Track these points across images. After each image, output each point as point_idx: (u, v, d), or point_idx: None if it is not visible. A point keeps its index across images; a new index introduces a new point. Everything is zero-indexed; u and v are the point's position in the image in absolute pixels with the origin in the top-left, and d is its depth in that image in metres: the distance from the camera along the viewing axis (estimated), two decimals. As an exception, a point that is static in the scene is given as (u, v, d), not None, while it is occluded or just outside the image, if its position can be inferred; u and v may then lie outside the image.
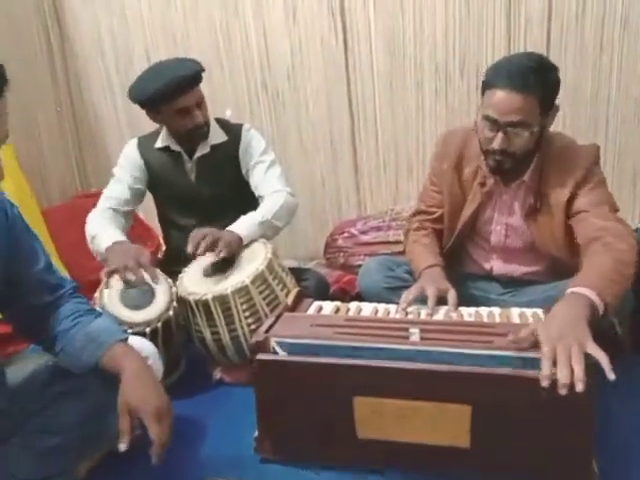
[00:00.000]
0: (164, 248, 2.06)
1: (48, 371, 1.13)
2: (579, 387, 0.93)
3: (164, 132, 1.79)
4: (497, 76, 1.31)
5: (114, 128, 2.55)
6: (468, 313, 1.29)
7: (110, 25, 2.41)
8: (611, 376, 0.93)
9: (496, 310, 1.29)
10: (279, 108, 2.39)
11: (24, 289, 1.10)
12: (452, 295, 1.35)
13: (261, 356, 1.14)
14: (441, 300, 1.34)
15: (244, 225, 1.63)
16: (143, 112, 2.48)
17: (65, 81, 2.49)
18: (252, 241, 1.65)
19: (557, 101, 1.36)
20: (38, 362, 1.16)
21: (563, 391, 0.94)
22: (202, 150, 1.77)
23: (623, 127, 2.11)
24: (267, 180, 1.75)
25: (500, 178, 1.46)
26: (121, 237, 1.64)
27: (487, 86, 1.34)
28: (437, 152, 1.59)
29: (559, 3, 2.04)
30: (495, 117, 1.31)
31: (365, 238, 2.21)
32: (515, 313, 1.27)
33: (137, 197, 1.82)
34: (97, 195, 2.42)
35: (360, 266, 2.10)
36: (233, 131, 1.81)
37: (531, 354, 1.02)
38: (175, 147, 1.79)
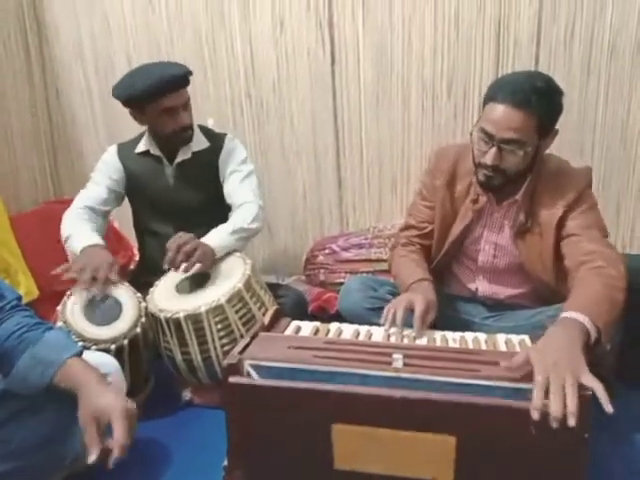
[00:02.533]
0: (137, 258, 1.98)
1: None
2: (571, 421, 0.88)
3: (146, 137, 1.75)
4: (500, 90, 1.29)
5: (91, 134, 2.47)
6: (453, 338, 1.23)
7: (91, 29, 2.34)
8: (608, 408, 0.88)
9: (482, 336, 1.24)
10: (263, 119, 2.34)
11: None
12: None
13: (233, 379, 1.06)
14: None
15: (216, 237, 1.58)
16: (122, 119, 2.41)
17: (42, 84, 2.41)
18: (230, 254, 1.59)
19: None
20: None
21: (555, 424, 0.89)
22: (183, 155, 1.73)
23: (608, 153, 2.11)
24: (241, 190, 1.71)
25: (492, 195, 1.43)
26: (96, 239, 1.58)
27: (488, 99, 1.32)
28: (429, 168, 1.56)
29: (547, 27, 2.04)
30: (491, 132, 1.29)
31: (346, 255, 2.16)
32: (501, 340, 1.22)
33: (115, 199, 1.78)
34: (69, 202, 2.35)
35: (340, 284, 2.06)
36: (216, 139, 1.78)
37: (521, 385, 0.97)
38: (156, 151, 1.74)
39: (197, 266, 1.47)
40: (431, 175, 1.53)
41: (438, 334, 1.27)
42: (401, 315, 1.27)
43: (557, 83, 1.34)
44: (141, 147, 1.76)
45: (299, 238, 2.43)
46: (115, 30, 2.33)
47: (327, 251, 2.20)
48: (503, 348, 1.18)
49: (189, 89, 1.71)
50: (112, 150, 1.80)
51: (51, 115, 2.45)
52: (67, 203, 2.33)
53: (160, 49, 2.31)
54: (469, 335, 1.25)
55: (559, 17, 2.01)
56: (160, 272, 1.59)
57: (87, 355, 1.10)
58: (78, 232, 1.60)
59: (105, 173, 1.75)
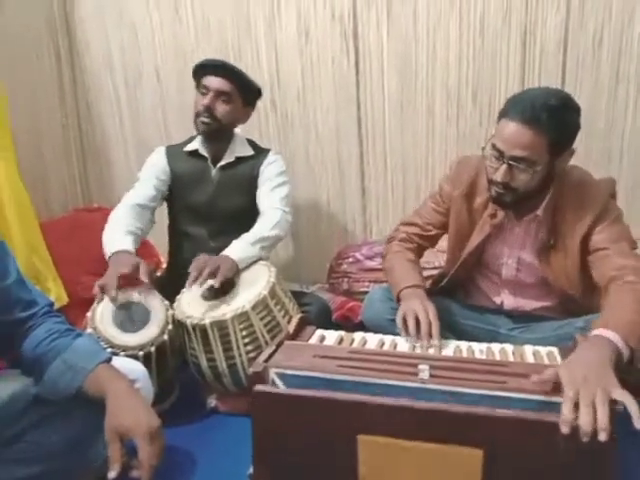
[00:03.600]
0: (168, 261, 2.00)
1: (29, 394, 1.07)
2: (602, 436, 0.86)
3: (198, 137, 1.82)
4: (512, 107, 1.27)
5: (119, 144, 2.52)
6: (479, 349, 1.22)
7: (120, 42, 2.39)
8: (638, 425, 0.86)
9: (509, 347, 1.23)
10: (287, 128, 2.36)
11: None
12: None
13: (259, 388, 1.07)
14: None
15: (238, 248, 1.60)
16: (150, 130, 2.48)
17: (73, 94, 2.47)
18: (254, 263, 1.60)
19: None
20: (19, 384, 1.10)
21: (585, 439, 0.87)
22: (227, 159, 1.81)
23: (637, 160, 2.07)
24: (270, 196, 1.76)
25: (512, 212, 1.41)
26: (126, 244, 1.58)
27: (501, 114, 1.30)
28: (449, 176, 1.54)
29: (575, 35, 2.01)
30: (501, 148, 1.27)
31: (370, 264, 2.15)
32: (529, 351, 1.20)
33: (161, 198, 1.83)
34: (98, 210, 2.41)
35: (364, 292, 2.06)
36: (260, 150, 1.87)
37: (549, 398, 0.96)
38: (203, 152, 1.81)
39: (218, 281, 1.48)
40: (450, 183, 1.52)
41: (464, 345, 1.26)
42: (433, 329, 1.27)
43: (575, 101, 1.29)
44: (191, 146, 1.83)
45: (323, 246, 2.43)
46: (143, 42, 2.38)
47: (351, 260, 2.20)
48: (531, 360, 1.17)
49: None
50: (160, 151, 1.86)
51: (81, 125, 2.51)
52: (96, 211, 2.40)
53: (187, 60, 2.34)
54: (496, 346, 1.24)
55: (587, 24, 1.99)
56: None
57: (116, 361, 1.12)
58: (112, 235, 1.62)
59: (152, 173, 1.80)
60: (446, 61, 2.18)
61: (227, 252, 1.58)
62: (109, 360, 1.08)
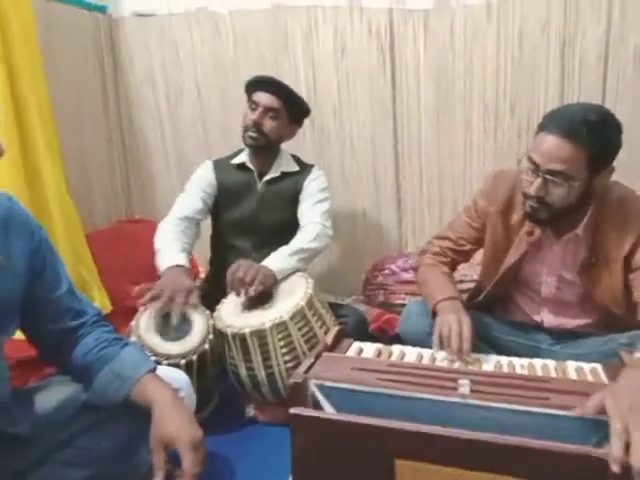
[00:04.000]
0: (209, 271, 2.06)
1: (79, 400, 1.10)
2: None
3: (245, 151, 1.88)
4: (551, 120, 1.26)
5: (161, 158, 2.59)
6: (520, 365, 1.21)
7: (162, 57, 2.47)
8: None
9: (551, 363, 1.21)
10: (324, 142, 2.39)
11: (45, 313, 1.09)
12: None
13: (296, 410, 1.06)
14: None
15: (277, 260, 1.63)
16: (191, 145, 2.54)
17: (116, 110, 2.55)
18: (292, 274, 1.63)
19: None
20: (69, 390, 1.14)
21: (638, 479, 0.83)
22: (273, 173, 1.86)
23: (683, 173, 2.02)
24: (311, 211, 1.80)
25: (550, 230, 1.39)
26: (182, 260, 1.63)
27: (540, 128, 1.28)
28: (484, 190, 1.52)
29: (616, 47, 1.99)
30: (537, 161, 1.25)
31: (406, 276, 2.15)
32: (572, 367, 1.18)
33: (207, 211, 1.88)
34: (140, 222, 2.48)
35: (400, 305, 2.07)
36: (305, 166, 1.92)
37: (592, 416, 0.94)
38: (250, 165, 1.87)
39: (257, 289, 1.51)
40: (486, 198, 1.50)
41: (505, 360, 1.25)
42: (459, 341, 1.26)
43: (616, 119, 1.26)
44: (238, 159, 1.88)
45: (358, 258, 2.44)
46: (184, 58, 2.45)
47: (387, 272, 2.20)
48: (573, 376, 1.15)
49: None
50: (207, 165, 1.92)
51: (124, 140, 2.59)
52: (138, 222, 2.47)
53: (227, 75, 2.40)
54: (537, 362, 1.22)
55: (628, 37, 1.97)
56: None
57: (160, 370, 1.15)
58: (167, 248, 1.66)
59: (199, 186, 1.85)
60: (483, 74, 2.18)
61: (266, 263, 1.61)
62: (154, 369, 1.11)
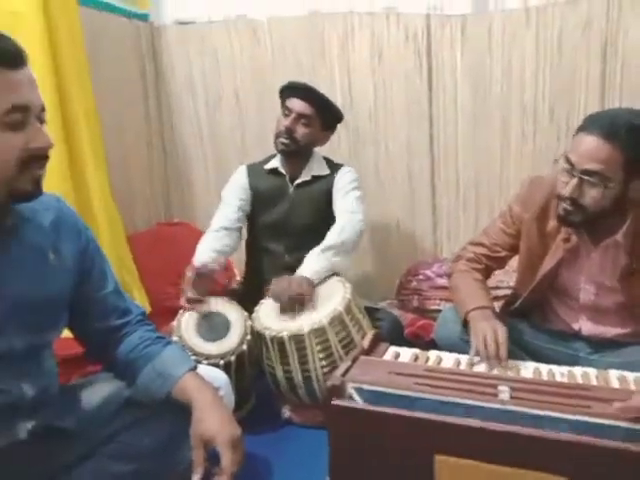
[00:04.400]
0: (245, 274, 2.09)
1: (122, 397, 1.13)
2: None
3: (278, 156, 1.91)
4: (591, 122, 1.25)
5: (200, 164, 2.64)
6: (560, 372, 1.19)
7: (202, 65, 2.52)
8: None
9: (591, 371, 1.19)
10: (359, 145, 2.40)
11: (92, 311, 1.12)
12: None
13: (337, 402, 1.09)
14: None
15: (310, 263, 1.64)
16: (228, 150, 2.58)
17: (157, 117, 2.62)
18: (329, 278, 1.64)
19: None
20: (113, 387, 1.17)
21: None
22: (304, 177, 1.88)
23: None
24: (343, 201, 1.82)
25: (587, 236, 1.37)
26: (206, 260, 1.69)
27: (579, 129, 1.28)
28: (520, 195, 1.51)
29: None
30: (574, 161, 1.24)
31: (441, 282, 2.14)
32: (614, 376, 1.16)
33: (245, 217, 1.92)
34: (179, 225, 2.54)
35: (435, 310, 2.06)
36: (335, 168, 1.93)
37: (635, 426, 0.92)
38: (282, 170, 1.89)
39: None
40: (521, 205, 1.48)
41: (544, 367, 1.23)
42: (501, 351, 1.26)
43: None
44: (271, 164, 1.91)
45: (392, 263, 2.44)
46: (223, 65, 2.50)
47: (421, 277, 2.19)
48: (616, 385, 1.13)
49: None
50: (241, 170, 1.95)
51: (165, 146, 2.66)
52: (177, 225, 2.53)
53: (264, 81, 2.44)
54: (577, 370, 1.20)
55: (675, 36, 1.92)
56: (267, 288, 1.67)
57: (200, 369, 1.18)
58: (200, 253, 1.73)
59: (235, 194, 1.89)
60: (522, 76, 2.15)
61: (301, 271, 1.62)
62: (195, 368, 1.14)
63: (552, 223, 1.42)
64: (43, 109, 0.93)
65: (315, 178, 1.88)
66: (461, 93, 2.24)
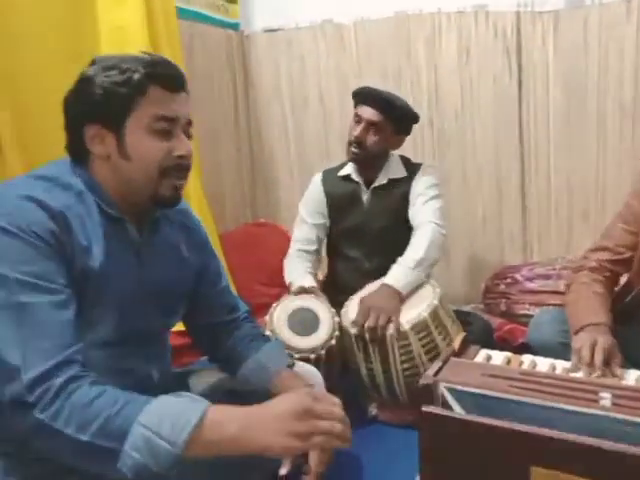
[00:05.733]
0: (326, 277, 2.11)
1: (225, 387, 1.19)
2: None
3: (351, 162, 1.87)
4: None
5: (285, 167, 2.72)
6: (667, 382, 1.13)
7: (289, 70, 2.60)
8: None
9: None
10: (443, 146, 2.38)
11: (206, 306, 1.19)
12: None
13: (428, 409, 1.08)
14: None
15: (399, 275, 1.61)
16: (313, 152, 2.62)
17: (246, 123, 2.72)
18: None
19: None
20: (218, 376, 1.24)
21: None
22: (380, 181, 1.84)
23: None
24: (423, 211, 1.75)
25: None
26: (309, 283, 1.76)
27: None
28: (637, 190, 1.42)
29: None
30: None
31: (531, 285, 2.08)
32: None
33: (322, 231, 1.93)
34: (265, 226, 2.63)
35: (524, 315, 2.00)
36: (413, 168, 1.86)
37: None
38: (355, 177, 1.87)
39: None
40: (639, 198, 1.40)
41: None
42: (596, 356, 1.20)
43: None
44: (344, 171, 1.89)
45: (477, 266, 2.40)
46: (309, 70, 2.56)
47: (509, 280, 2.14)
48: None
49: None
50: (317, 179, 1.95)
51: (252, 149, 2.76)
52: (263, 226, 2.63)
53: (348, 84, 2.47)
54: (687, 380, 1.13)
55: None
56: (349, 292, 1.70)
57: (297, 366, 1.22)
58: (297, 280, 1.79)
59: (311, 210, 1.91)
60: (620, 73, 2.05)
61: (389, 281, 1.59)
62: (292, 365, 1.19)
63: None
64: (190, 124, 1.01)
65: (392, 181, 1.82)
66: (553, 92, 2.17)
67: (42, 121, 1.73)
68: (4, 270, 0.81)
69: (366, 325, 1.48)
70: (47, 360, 0.78)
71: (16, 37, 1.67)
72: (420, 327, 1.49)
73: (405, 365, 1.50)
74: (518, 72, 2.20)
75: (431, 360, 1.41)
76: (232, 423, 0.82)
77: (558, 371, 1.23)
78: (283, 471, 0.98)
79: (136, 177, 0.96)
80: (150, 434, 0.77)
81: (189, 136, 1.01)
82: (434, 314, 1.51)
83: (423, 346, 1.50)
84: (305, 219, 1.92)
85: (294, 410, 0.84)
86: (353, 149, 1.77)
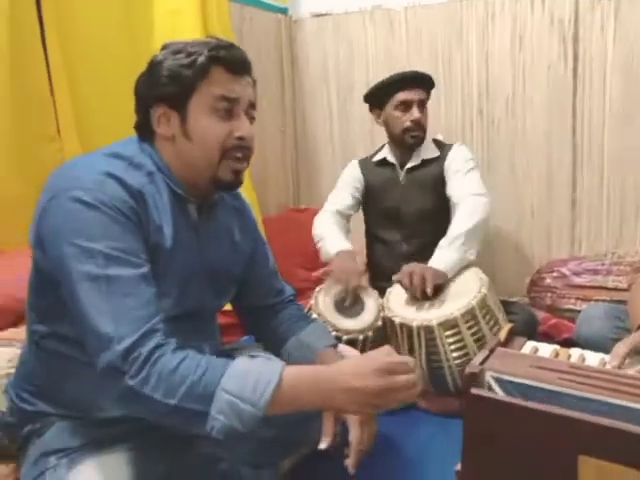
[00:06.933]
0: (366, 263, 2.12)
1: None
2: None
3: (386, 146, 1.93)
4: None
5: (328, 152, 2.72)
6: None
7: (336, 55, 2.59)
8: None
9: None
10: (492, 135, 2.34)
11: (254, 289, 1.21)
12: None
13: (476, 391, 1.08)
14: None
15: (441, 256, 1.60)
16: (357, 138, 2.62)
17: (291, 108, 2.74)
18: (466, 269, 1.62)
19: None
20: (261, 354, 1.26)
21: None
22: (414, 162, 1.86)
23: None
24: (461, 185, 1.75)
25: None
26: (348, 245, 1.76)
27: None
28: None
29: None
30: None
31: (578, 280, 2.03)
32: None
33: (356, 204, 1.97)
34: (306, 211, 2.64)
35: (570, 310, 1.96)
36: (445, 148, 1.89)
37: None
38: (391, 159, 1.90)
39: (430, 287, 1.51)
40: None
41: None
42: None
43: None
44: (379, 156, 1.94)
45: (523, 258, 2.35)
46: (357, 56, 2.55)
47: (556, 274, 2.09)
48: None
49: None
50: (354, 164, 2.01)
51: (297, 135, 2.77)
52: (303, 212, 2.64)
53: (396, 71, 2.44)
54: None
55: None
56: (388, 278, 1.69)
57: (340, 347, 1.23)
58: (331, 235, 1.80)
59: (349, 182, 1.96)
60: (684, 62, 1.96)
61: (431, 264, 1.60)
62: (335, 346, 1.20)
63: None
64: (252, 106, 1.01)
65: (425, 162, 1.85)
66: (610, 84, 2.09)
67: (98, 105, 1.79)
68: (91, 244, 0.84)
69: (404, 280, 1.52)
70: (136, 330, 0.82)
71: (72, 22, 1.72)
72: (469, 315, 1.48)
73: (455, 354, 1.49)
74: (574, 61, 2.13)
75: (481, 348, 1.40)
76: (309, 383, 0.87)
77: (609, 366, 1.20)
78: (323, 445, 0.99)
79: (197, 157, 0.97)
80: (234, 399, 0.82)
81: (252, 119, 1.01)
82: (482, 303, 1.50)
83: (472, 334, 1.49)
84: (343, 188, 1.96)
85: (373, 368, 0.87)
86: (413, 133, 1.80)
